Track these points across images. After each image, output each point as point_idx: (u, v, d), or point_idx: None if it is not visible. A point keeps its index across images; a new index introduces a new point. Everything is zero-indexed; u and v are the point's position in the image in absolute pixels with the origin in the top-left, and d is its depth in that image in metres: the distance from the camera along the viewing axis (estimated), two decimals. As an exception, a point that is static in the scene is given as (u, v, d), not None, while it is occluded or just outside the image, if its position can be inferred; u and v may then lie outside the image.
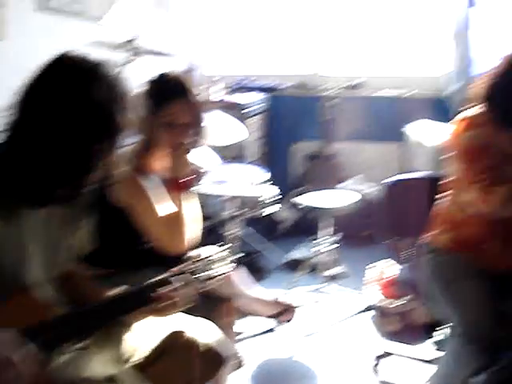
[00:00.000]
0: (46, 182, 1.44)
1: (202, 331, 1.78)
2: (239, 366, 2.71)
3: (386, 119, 5.02)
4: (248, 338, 3.12)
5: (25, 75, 1.45)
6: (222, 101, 4.48)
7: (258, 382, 2.86)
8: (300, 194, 3.96)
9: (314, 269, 3.82)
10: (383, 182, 2.70)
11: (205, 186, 3.41)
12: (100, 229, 1.75)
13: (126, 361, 1.67)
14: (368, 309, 3.38)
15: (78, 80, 1.43)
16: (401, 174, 4.64)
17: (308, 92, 5.11)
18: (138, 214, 2.12)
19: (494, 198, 1.99)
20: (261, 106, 4.86)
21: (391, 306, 3.13)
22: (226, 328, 2.14)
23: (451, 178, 2.25)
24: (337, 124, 5.01)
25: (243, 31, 5.39)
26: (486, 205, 2.02)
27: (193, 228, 2.26)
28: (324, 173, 4.87)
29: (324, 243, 3.56)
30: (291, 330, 3.16)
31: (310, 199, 3.65)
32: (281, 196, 4.58)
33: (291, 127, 5.15)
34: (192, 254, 1.85)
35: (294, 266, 3.90)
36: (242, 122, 4.36)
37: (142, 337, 1.73)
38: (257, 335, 3.19)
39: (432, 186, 2.41)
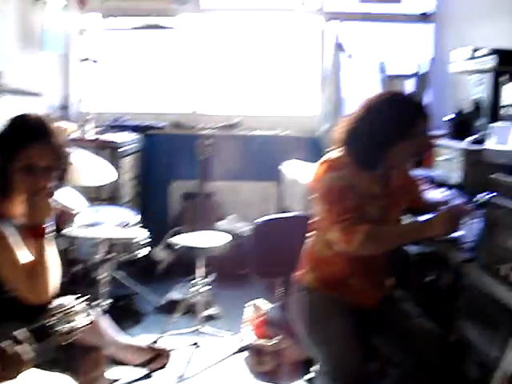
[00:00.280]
0: None
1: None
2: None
3: (262, 158, 5.12)
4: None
5: None
6: (94, 140, 4.37)
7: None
8: (176, 234, 3.93)
9: (190, 310, 3.78)
10: (254, 221, 2.72)
11: (75, 229, 3.30)
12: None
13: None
14: (242, 350, 3.38)
15: None
16: (279, 212, 4.79)
17: (185, 130, 5.11)
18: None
19: (355, 238, 2.05)
20: (135, 145, 4.79)
21: (264, 346, 3.15)
22: (96, 378, 2.05)
23: (316, 218, 2.31)
24: (214, 163, 5.05)
25: (119, 69, 5.31)
26: (347, 244, 2.08)
27: (53, 276, 2.15)
28: (201, 212, 4.85)
29: (200, 284, 3.53)
30: (167, 375, 3.09)
31: (186, 239, 3.62)
32: (158, 236, 4.56)
33: (168, 166, 5.11)
34: (52, 305, 1.76)
35: (170, 307, 3.83)
36: (115, 161, 4.28)
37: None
38: (133, 382, 3.07)
39: (302, 225, 2.45)
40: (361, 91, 3.56)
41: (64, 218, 3.29)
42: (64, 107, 4.97)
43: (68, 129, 4.08)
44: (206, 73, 5.28)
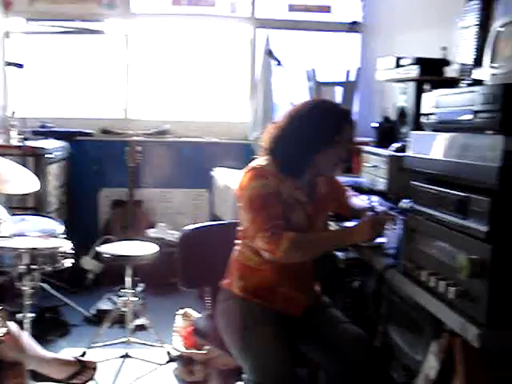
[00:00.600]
0: None
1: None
2: None
3: (194, 165, 5.10)
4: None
5: None
6: (19, 147, 4.22)
7: None
8: (105, 243, 3.85)
9: (119, 321, 3.70)
10: (182, 229, 2.68)
11: (-3, 239, 3.17)
12: None
13: None
14: (172, 360, 3.33)
15: None
16: (210, 220, 4.76)
17: (114, 137, 5.03)
18: None
19: (280, 247, 2.05)
20: (63, 151, 4.66)
21: (194, 356, 3.11)
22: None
23: (242, 226, 2.30)
24: (144, 170, 4.99)
25: (45, 74, 5.16)
26: (272, 253, 2.07)
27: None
28: (130, 220, 4.78)
29: (129, 294, 3.46)
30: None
31: (114, 248, 3.55)
32: (87, 245, 4.45)
33: (97, 173, 5.00)
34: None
35: (99, 318, 3.75)
36: (41, 169, 4.16)
37: None
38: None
39: (230, 233, 2.43)
40: (291, 98, 3.58)
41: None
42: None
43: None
44: (136, 78, 5.20)
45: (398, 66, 3.13)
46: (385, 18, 4.62)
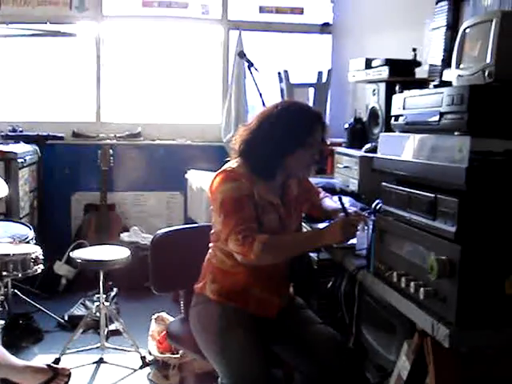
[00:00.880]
0: None
1: None
2: None
3: (167, 167, 5.08)
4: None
5: None
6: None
7: None
8: (78, 248, 3.81)
9: (93, 326, 3.67)
10: (155, 233, 2.66)
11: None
12: None
13: None
14: (146, 364, 3.31)
15: None
16: (185, 222, 4.75)
17: (86, 140, 4.99)
18: None
19: (252, 249, 2.04)
20: (34, 156, 4.60)
21: (169, 360, 3.10)
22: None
23: (214, 229, 2.29)
24: (117, 173, 4.95)
25: (14, 77, 5.09)
26: (245, 256, 2.07)
27: None
28: (103, 224, 4.74)
29: (103, 298, 3.43)
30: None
31: (87, 253, 3.51)
32: (59, 250, 4.40)
33: (69, 177, 4.96)
34: None
35: (73, 324, 3.70)
36: (12, 173, 4.10)
37: None
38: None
39: (203, 236, 2.42)
40: (264, 100, 3.58)
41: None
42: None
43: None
44: (107, 81, 5.16)
45: (368, 67, 3.16)
46: (355, 19, 4.65)
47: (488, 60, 1.60)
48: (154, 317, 3.47)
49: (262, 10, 5.26)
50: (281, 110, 2.22)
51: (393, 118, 1.93)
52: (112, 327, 3.67)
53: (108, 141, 4.93)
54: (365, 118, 3.28)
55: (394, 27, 3.80)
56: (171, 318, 3.27)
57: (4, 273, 3.13)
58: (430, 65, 2.98)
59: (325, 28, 5.25)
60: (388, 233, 1.79)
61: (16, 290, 3.77)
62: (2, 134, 4.64)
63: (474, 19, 1.78)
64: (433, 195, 1.55)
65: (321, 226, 2.36)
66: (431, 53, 3.03)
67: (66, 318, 3.89)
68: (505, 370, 1.61)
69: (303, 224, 2.51)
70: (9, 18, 4.90)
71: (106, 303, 3.48)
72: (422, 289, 1.52)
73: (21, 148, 4.40)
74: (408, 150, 1.74)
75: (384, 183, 1.85)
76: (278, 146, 2.17)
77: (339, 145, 3.43)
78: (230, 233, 2.08)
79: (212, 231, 2.32)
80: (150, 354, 3.26)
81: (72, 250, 3.74)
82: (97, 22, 5.04)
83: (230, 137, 4.67)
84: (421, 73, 3.03)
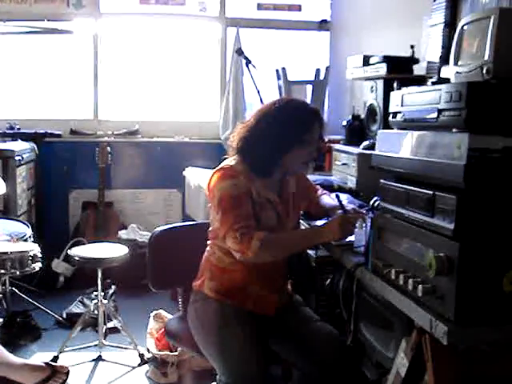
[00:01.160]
0: None
1: None
2: None
3: (165, 165, 5.08)
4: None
5: None
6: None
7: None
8: (76, 246, 3.80)
9: (91, 324, 3.67)
10: (153, 231, 2.66)
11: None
12: None
13: None
14: (145, 362, 3.31)
15: None
16: (183, 220, 4.74)
17: (83, 138, 4.98)
18: None
19: (250, 246, 2.04)
20: (31, 153, 4.59)
21: (167, 357, 3.09)
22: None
23: (213, 227, 2.29)
24: (115, 171, 4.95)
25: (11, 74, 5.08)
26: (243, 253, 2.07)
27: None
28: (102, 222, 4.74)
29: (101, 296, 3.42)
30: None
31: (85, 250, 3.50)
32: (58, 248, 4.40)
33: (67, 175, 4.95)
34: None
35: (71, 322, 3.71)
36: (9, 171, 4.10)
37: None
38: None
39: (201, 233, 2.42)
40: (262, 97, 3.58)
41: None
42: None
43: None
44: (105, 78, 5.15)
45: (366, 64, 3.16)
46: (353, 16, 4.64)
47: (486, 57, 1.60)
48: (152, 314, 3.46)
49: (259, 7, 5.25)
50: (279, 107, 2.22)
51: (391, 115, 1.93)
52: (110, 325, 3.67)
53: (106, 138, 4.93)
54: (363, 115, 3.27)
55: (391, 24, 3.80)
56: (169, 316, 3.27)
57: (2, 271, 3.13)
58: (428, 62, 2.97)
59: (323, 25, 5.24)
60: (386, 230, 1.79)
61: (14, 288, 3.77)
62: (0, 131, 4.62)
63: (471, 16, 1.78)
64: (431, 192, 1.55)
65: (319, 223, 2.36)
66: (429, 50, 3.02)
67: (64, 315, 3.89)
68: (503, 367, 1.61)
69: (301, 221, 2.51)
70: (6, 16, 4.88)
71: (104, 301, 3.47)
72: (420, 286, 1.52)
73: (18, 145, 4.39)
74: (406, 147, 1.74)
75: (382, 180, 1.84)
76: (276, 143, 2.17)
77: (337, 142, 3.43)
78: (228, 230, 2.08)
79: (210, 228, 2.32)
80: (149, 351, 3.25)
81: (70, 248, 3.74)
82: (94, 19, 5.03)
83: (227, 134, 4.67)
84: (419, 70, 3.03)
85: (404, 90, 1.86)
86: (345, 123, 3.35)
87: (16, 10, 4.87)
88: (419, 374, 1.71)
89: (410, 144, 1.72)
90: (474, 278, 1.42)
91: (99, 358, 3.38)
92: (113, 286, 4.12)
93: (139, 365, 3.32)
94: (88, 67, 5.09)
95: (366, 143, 2.93)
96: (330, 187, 2.84)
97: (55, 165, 4.90)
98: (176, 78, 5.27)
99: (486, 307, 1.43)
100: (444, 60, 2.74)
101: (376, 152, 1.95)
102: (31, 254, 3.23)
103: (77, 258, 3.40)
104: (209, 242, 2.36)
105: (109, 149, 4.71)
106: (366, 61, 3.16)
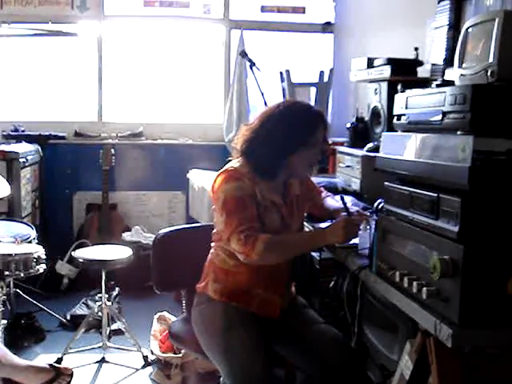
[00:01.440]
0: None
1: None
2: None
3: (169, 167, 5.08)
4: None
5: None
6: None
7: None
8: (80, 247, 3.81)
9: (95, 326, 3.67)
10: (157, 232, 2.66)
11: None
12: None
13: None
14: (149, 364, 3.31)
15: None
16: (187, 222, 4.75)
17: (87, 140, 4.99)
18: None
19: (254, 249, 2.04)
20: (35, 155, 4.60)
21: (171, 360, 3.10)
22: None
23: (217, 229, 2.29)
24: (119, 173, 4.96)
25: (16, 77, 5.09)
26: (247, 255, 2.06)
27: None
28: (105, 224, 4.75)
29: (105, 298, 3.43)
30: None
31: (89, 252, 3.51)
32: (61, 250, 4.41)
33: (71, 177, 4.96)
34: None
35: (75, 323, 3.71)
36: (13, 173, 4.10)
37: None
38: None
39: (205, 235, 2.42)
40: (266, 99, 3.59)
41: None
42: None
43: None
44: (109, 80, 5.16)
45: (370, 66, 3.16)
46: (357, 18, 4.64)
47: (490, 59, 1.59)
48: (155, 316, 3.47)
49: (263, 9, 5.25)
50: (283, 109, 2.22)
51: (395, 118, 1.93)
52: (114, 327, 3.67)
53: (110, 140, 4.93)
54: (367, 118, 3.27)
55: (395, 26, 3.80)
56: (173, 318, 3.27)
57: (6, 272, 3.13)
58: (432, 64, 2.97)
59: (326, 27, 5.25)
60: (390, 232, 1.79)
61: (18, 290, 3.78)
62: (4, 133, 4.64)
63: (476, 18, 1.78)
64: (435, 195, 1.55)
65: (323, 225, 2.36)
66: (433, 52, 3.02)
67: (68, 317, 3.90)
68: (508, 370, 1.61)
69: (305, 223, 2.51)
70: (11, 18, 4.90)
71: (108, 303, 3.48)
72: (424, 288, 1.52)
73: (23, 148, 4.40)
74: (410, 150, 1.74)
75: (386, 183, 1.84)
76: (280, 145, 2.17)
77: (341, 144, 3.43)
78: (233, 232, 2.08)
79: (214, 231, 2.32)
80: (152, 353, 3.26)
81: (74, 250, 3.75)
82: (98, 21, 5.04)
83: (231, 136, 4.67)
84: (423, 72, 3.03)
85: (408, 92, 1.86)
86: (349, 125, 3.35)
87: (21, 12, 4.89)
88: (423, 377, 1.70)
89: (415, 146, 1.72)
90: (479, 280, 1.42)
91: (103, 360, 3.39)
92: (117, 288, 4.12)
93: (143, 367, 3.32)
94: (92, 69, 5.10)
95: (369, 145, 2.93)
96: (333, 189, 2.83)
97: (59, 167, 4.91)
98: (180, 80, 5.27)
99: (490, 310, 1.43)
100: (448, 62, 2.74)
101: (380, 154, 1.95)
102: (35, 255, 3.23)
103: (81, 260, 3.41)
104: (213, 244, 2.36)
105: (113, 151, 4.72)
106: (370, 63, 3.16)
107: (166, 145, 5.11)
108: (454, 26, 2.86)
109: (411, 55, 3.10)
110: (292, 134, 2.18)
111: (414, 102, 1.80)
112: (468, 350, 1.54)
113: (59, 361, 3.27)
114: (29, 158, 4.39)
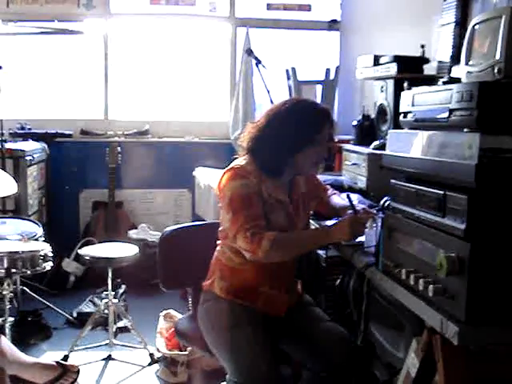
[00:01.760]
0: None
1: None
2: None
3: (175, 165, 5.09)
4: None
5: None
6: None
7: None
8: (86, 245, 3.82)
9: (102, 323, 3.68)
10: (163, 230, 2.66)
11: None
12: None
13: None
14: (155, 361, 3.32)
15: None
16: (193, 220, 4.75)
17: (94, 138, 5.00)
18: None
19: (261, 246, 2.04)
20: (42, 153, 4.62)
21: (177, 357, 3.10)
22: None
23: (223, 226, 2.29)
24: (125, 170, 4.97)
25: (23, 75, 5.10)
26: (253, 253, 2.07)
27: None
28: (112, 221, 4.76)
29: (112, 295, 3.44)
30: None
31: (95, 250, 3.52)
32: (68, 247, 4.42)
33: (77, 174, 4.98)
34: None
35: (81, 321, 3.72)
36: (20, 171, 4.12)
37: None
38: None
39: (211, 233, 2.42)
40: (272, 97, 3.59)
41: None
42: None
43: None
44: (115, 78, 5.17)
45: (376, 63, 3.15)
46: (363, 16, 4.63)
47: (497, 56, 1.59)
48: (162, 314, 3.47)
49: (269, 7, 5.25)
50: (289, 107, 2.22)
51: (401, 115, 1.92)
52: (120, 324, 3.69)
53: (116, 138, 4.94)
54: (373, 115, 3.26)
55: (402, 24, 3.78)
56: (179, 315, 3.28)
57: (13, 270, 3.14)
58: (439, 61, 2.96)
59: (332, 25, 5.24)
60: (397, 230, 1.79)
61: (25, 287, 3.80)
62: (11, 131, 4.65)
63: (482, 16, 1.77)
64: (442, 192, 1.55)
65: (329, 223, 2.35)
66: (440, 49, 3.00)
67: (75, 315, 3.91)
68: (514, 368, 1.61)
69: (311, 221, 2.51)
70: (17, 16, 4.92)
71: (115, 300, 3.49)
72: (430, 286, 1.52)
73: (29, 145, 4.42)
74: (417, 147, 1.73)
75: (393, 180, 1.84)
76: (287, 143, 2.17)
77: (347, 142, 3.42)
78: (239, 230, 2.08)
79: (220, 228, 2.32)
80: (159, 351, 3.26)
81: (80, 247, 3.76)
82: (104, 19, 5.05)
83: (237, 134, 4.67)
84: (429, 69, 3.02)
85: (415, 89, 1.86)
86: (355, 123, 3.34)
87: (27, 10, 4.90)
88: (430, 375, 1.70)
89: (421, 144, 1.71)
90: (485, 278, 1.41)
91: (109, 358, 3.40)
92: (123, 286, 4.13)
93: (149, 364, 3.33)
94: (98, 67, 5.12)
95: (376, 143, 2.93)
96: (340, 187, 2.83)
97: (66, 165, 4.93)
98: (186, 78, 5.28)
99: (496, 307, 1.43)
100: (455, 60, 2.73)
101: (386, 152, 1.95)
102: (42, 253, 3.24)
103: (87, 258, 3.42)
104: (219, 242, 2.36)
105: (119, 149, 4.72)
106: (376, 60, 3.15)
107: (172, 143, 5.12)
108: (461, 23, 2.84)
109: (417, 52, 3.09)
110: (298, 131, 2.18)
111: (420, 100, 1.80)
112: (474, 347, 1.53)
113: (66, 358, 3.28)
114: (35, 155, 4.41)
